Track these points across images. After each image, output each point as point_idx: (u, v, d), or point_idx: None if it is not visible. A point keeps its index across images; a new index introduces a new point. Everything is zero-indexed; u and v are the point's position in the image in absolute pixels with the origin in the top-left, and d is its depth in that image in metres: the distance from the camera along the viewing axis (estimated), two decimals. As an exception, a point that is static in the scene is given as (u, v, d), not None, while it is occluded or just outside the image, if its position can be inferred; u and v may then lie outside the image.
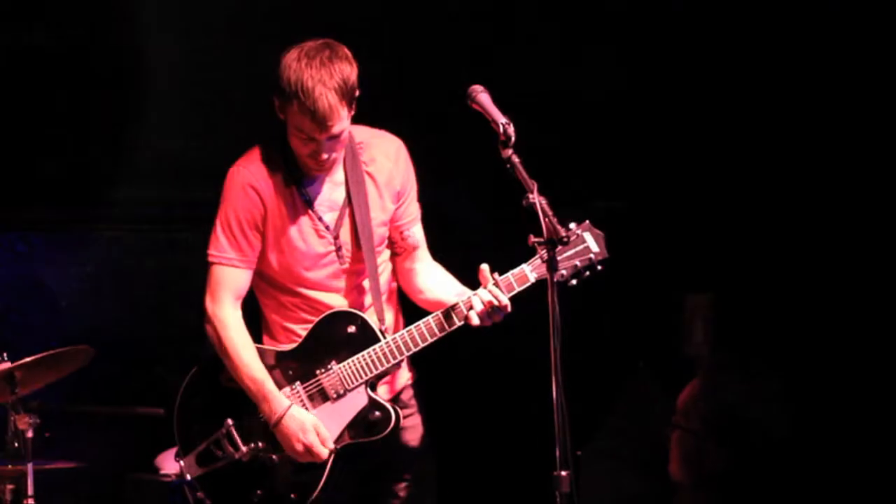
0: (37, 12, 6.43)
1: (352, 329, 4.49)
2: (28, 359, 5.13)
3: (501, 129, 4.13)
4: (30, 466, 5.19)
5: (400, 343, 4.45)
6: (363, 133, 4.56)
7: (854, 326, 6.27)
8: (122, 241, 6.93)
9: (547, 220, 3.98)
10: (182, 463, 4.51)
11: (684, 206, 6.60)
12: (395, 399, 4.57)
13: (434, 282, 4.61)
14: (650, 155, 6.59)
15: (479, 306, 4.39)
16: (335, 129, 4.33)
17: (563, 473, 3.85)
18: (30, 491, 5.18)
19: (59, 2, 6.47)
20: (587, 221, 4.46)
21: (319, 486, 4.45)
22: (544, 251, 4.04)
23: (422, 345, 4.45)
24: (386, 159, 4.58)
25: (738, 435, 5.26)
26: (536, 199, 4.00)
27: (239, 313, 4.51)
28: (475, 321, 4.39)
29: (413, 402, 4.65)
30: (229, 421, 4.48)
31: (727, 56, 6.45)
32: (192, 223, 6.43)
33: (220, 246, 4.47)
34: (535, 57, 6.53)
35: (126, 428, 6.28)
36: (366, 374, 4.46)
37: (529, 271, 4.42)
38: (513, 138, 4.11)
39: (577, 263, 4.41)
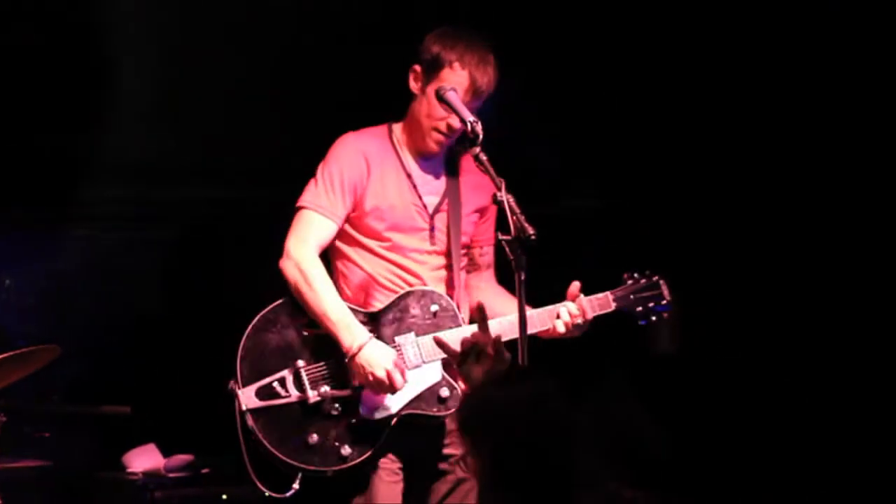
0: (3, 10, 6.40)
1: (436, 308, 4.63)
2: (-6, 357, 5.11)
3: (469, 128, 4.20)
4: (-4, 464, 5.18)
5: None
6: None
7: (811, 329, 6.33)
8: (91, 239, 6.89)
9: (514, 217, 4.04)
10: (240, 392, 4.52)
11: (655, 206, 6.62)
12: None
13: (497, 303, 4.71)
14: (619, 154, 6.60)
15: (566, 317, 4.63)
16: (480, 100, 4.57)
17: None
18: (-3, 489, 5.17)
19: (27, 0, 6.44)
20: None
21: (375, 447, 4.53)
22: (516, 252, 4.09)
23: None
24: (481, 176, 4.66)
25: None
26: (504, 196, 4.07)
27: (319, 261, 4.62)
28: (560, 329, 4.63)
29: None
30: (300, 362, 4.54)
31: (699, 55, 6.46)
32: (160, 222, 6.44)
33: (316, 194, 4.63)
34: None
35: (93, 426, 6.26)
36: (443, 352, 4.54)
37: (612, 300, 4.71)
38: (481, 136, 4.16)
39: (651, 305, 4.78)
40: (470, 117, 4.25)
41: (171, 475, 5.90)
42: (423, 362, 4.59)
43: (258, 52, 6.20)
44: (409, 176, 4.68)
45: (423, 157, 4.70)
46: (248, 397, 4.51)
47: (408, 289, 4.64)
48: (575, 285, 4.66)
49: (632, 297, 4.76)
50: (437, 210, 4.70)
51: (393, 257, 4.64)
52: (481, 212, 4.79)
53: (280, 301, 4.60)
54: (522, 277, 4.04)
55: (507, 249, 4.04)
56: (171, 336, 6.38)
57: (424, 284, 4.65)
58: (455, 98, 4.35)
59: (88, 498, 6.14)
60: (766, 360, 6.28)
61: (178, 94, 6.40)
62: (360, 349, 4.48)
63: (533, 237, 4.05)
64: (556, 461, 3.00)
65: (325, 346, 4.55)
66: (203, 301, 6.35)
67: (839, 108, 6.20)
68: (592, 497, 3.06)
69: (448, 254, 4.70)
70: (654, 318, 4.78)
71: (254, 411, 4.51)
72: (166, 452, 5.97)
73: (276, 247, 4.71)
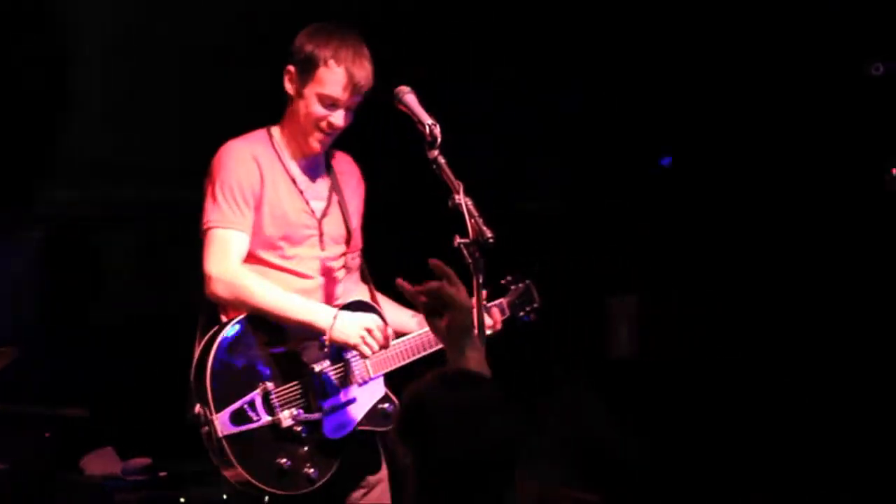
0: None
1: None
2: (-50, 360, 5.08)
3: (428, 131, 4.18)
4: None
5: (424, 340, 4.61)
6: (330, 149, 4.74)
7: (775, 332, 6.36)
8: (47, 242, 6.86)
9: (473, 221, 4.02)
10: (215, 419, 4.36)
11: (610, 209, 6.64)
12: None
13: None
14: (576, 156, 6.63)
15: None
16: (359, 96, 4.53)
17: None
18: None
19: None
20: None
21: (335, 467, 4.48)
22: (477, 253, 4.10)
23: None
24: (352, 176, 4.78)
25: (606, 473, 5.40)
26: (462, 200, 4.05)
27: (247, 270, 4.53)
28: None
29: None
30: (269, 384, 4.43)
31: (659, 59, 6.50)
32: (117, 223, 6.41)
33: (220, 211, 4.50)
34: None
35: (51, 429, 6.22)
36: (390, 364, 4.58)
37: (506, 306, 4.84)
38: (439, 139, 4.15)
39: (527, 309, 4.89)
40: (429, 120, 4.21)
41: (128, 478, 5.89)
42: (371, 378, 4.57)
43: (218, 49, 6.19)
44: (293, 181, 4.61)
45: (305, 160, 4.65)
46: (223, 424, 4.36)
47: (344, 304, 4.60)
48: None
49: (517, 302, 4.88)
50: (323, 214, 4.65)
51: (286, 265, 4.57)
52: (356, 214, 4.77)
53: (241, 319, 4.47)
54: (480, 280, 4.03)
55: (464, 253, 4.02)
56: (129, 339, 6.35)
57: (323, 293, 4.61)
58: (413, 101, 4.31)
59: (46, 501, 6.11)
60: (766, 361, 6.31)
61: (138, 96, 6.39)
62: (335, 318, 4.45)
63: (491, 240, 4.04)
64: (492, 478, 2.96)
65: (290, 366, 4.47)
66: (161, 304, 6.33)
67: (839, 108, 6.24)
68: None
69: (339, 259, 4.67)
70: (526, 320, 4.91)
71: (229, 437, 4.37)
72: (124, 456, 5.96)
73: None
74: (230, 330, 4.46)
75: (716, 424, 6.24)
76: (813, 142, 6.30)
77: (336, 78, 4.50)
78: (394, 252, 5.26)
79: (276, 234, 4.55)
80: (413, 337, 4.64)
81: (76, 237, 6.82)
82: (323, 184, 4.69)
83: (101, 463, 5.94)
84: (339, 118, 4.53)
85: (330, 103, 4.52)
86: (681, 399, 6.28)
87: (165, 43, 6.34)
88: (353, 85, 4.50)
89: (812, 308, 6.33)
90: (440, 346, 3.99)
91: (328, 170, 4.72)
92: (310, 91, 4.53)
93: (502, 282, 4.87)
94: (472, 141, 5.88)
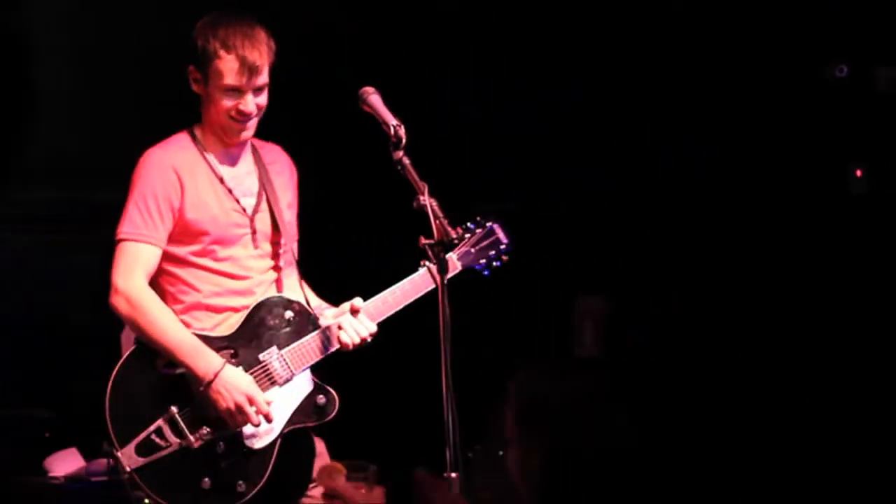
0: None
1: (290, 314, 4.51)
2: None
3: (392, 132, 4.16)
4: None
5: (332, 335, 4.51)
6: (256, 141, 4.65)
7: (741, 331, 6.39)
8: (14, 242, 6.84)
9: (438, 221, 4.01)
10: (119, 455, 4.32)
11: (575, 209, 6.66)
12: None
13: (311, 298, 4.66)
14: (542, 157, 6.64)
15: None
16: (261, 78, 4.45)
17: (454, 475, 3.87)
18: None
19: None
20: (492, 216, 4.69)
21: (266, 474, 4.40)
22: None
23: None
24: (283, 166, 4.70)
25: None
26: (427, 200, 4.04)
27: (151, 290, 4.43)
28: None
29: None
30: (173, 408, 4.35)
31: (619, 58, 6.52)
32: (86, 223, 6.37)
33: (133, 223, 4.43)
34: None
35: (14, 430, 6.20)
36: (311, 359, 4.48)
37: (456, 259, 4.59)
38: (404, 140, 4.14)
39: (492, 254, 4.65)
40: (393, 121, 4.19)
41: (93, 479, 5.86)
42: (293, 374, 4.48)
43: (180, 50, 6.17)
44: (221, 180, 4.54)
45: (230, 158, 4.59)
46: (128, 457, 4.32)
47: (255, 303, 4.51)
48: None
49: (472, 251, 4.66)
50: (255, 211, 4.58)
51: (219, 267, 4.50)
52: (290, 206, 4.70)
53: (133, 349, 4.41)
54: (445, 281, 4.03)
55: (429, 253, 4.02)
56: (92, 340, 6.32)
57: (258, 291, 4.54)
58: (377, 101, 4.28)
59: (9, 502, 6.09)
60: (766, 361, 6.33)
61: (107, 94, 6.37)
62: (216, 375, 4.33)
63: (456, 241, 4.05)
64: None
65: (193, 384, 4.37)
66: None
67: (837, 108, 6.27)
68: None
69: (273, 255, 4.61)
70: (497, 264, 4.67)
71: (139, 470, 4.33)
72: (88, 456, 5.94)
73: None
74: (123, 363, 4.40)
75: (715, 424, 6.25)
76: (779, 144, 6.34)
77: (231, 66, 4.42)
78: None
79: (207, 237, 4.49)
80: (330, 326, 4.54)
81: (47, 237, 6.80)
82: (251, 179, 4.61)
83: (65, 464, 5.92)
84: (247, 104, 4.46)
85: (234, 91, 4.45)
86: (680, 399, 6.29)
87: (141, 42, 6.34)
88: (248, 68, 4.42)
89: (780, 309, 6.37)
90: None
91: (256, 164, 4.64)
92: (212, 86, 4.46)
93: (458, 228, 4.54)
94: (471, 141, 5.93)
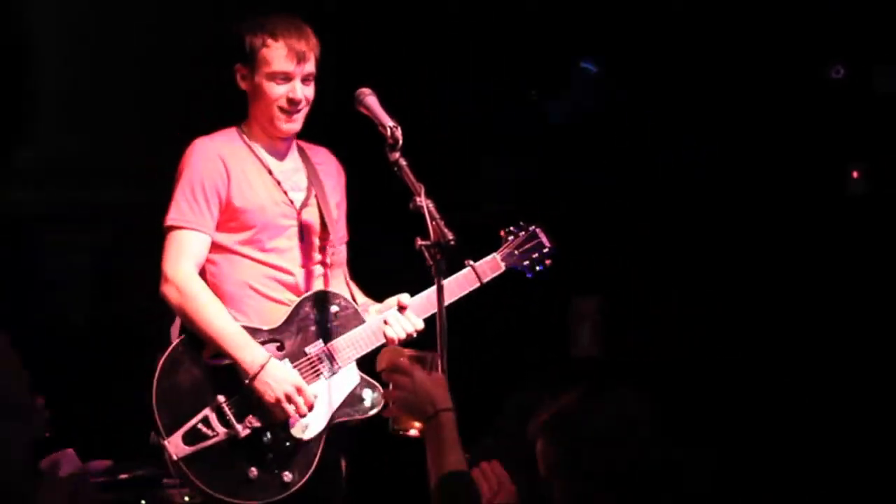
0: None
1: (335, 308, 4.56)
2: None
3: (389, 133, 4.18)
4: None
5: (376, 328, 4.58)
6: (303, 142, 4.74)
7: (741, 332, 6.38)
8: (14, 242, 6.83)
9: (434, 223, 4.02)
10: (167, 443, 4.34)
11: (573, 210, 6.65)
12: None
13: (359, 299, 4.71)
14: (537, 159, 6.64)
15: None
16: (309, 65, 4.54)
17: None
18: None
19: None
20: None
21: (314, 465, 4.44)
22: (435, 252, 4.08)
23: None
24: (332, 168, 4.80)
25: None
26: (424, 202, 4.06)
27: (200, 278, 4.46)
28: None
29: None
30: (220, 398, 4.38)
31: (618, 58, 6.52)
32: (86, 223, 6.38)
33: (181, 210, 4.49)
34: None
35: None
36: (357, 353, 4.53)
37: (500, 260, 4.75)
38: (400, 141, 4.15)
39: (535, 256, 4.79)
40: (390, 122, 4.22)
41: (91, 480, 5.85)
42: (339, 367, 4.54)
43: (177, 52, 6.18)
44: (270, 172, 4.61)
45: (279, 152, 4.65)
46: (175, 446, 4.36)
47: (301, 296, 4.56)
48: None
49: (517, 252, 4.79)
50: (303, 205, 4.64)
51: (265, 258, 4.56)
52: (339, 206, 4.76)
53: (180, 338, 4.45)
54: (442, 283, 4.03)
55: (425, 255, 4.03)
56: (90, 340, 6.33)
57: (303, 286, 4.60)
58: (374, 103, 4.31)
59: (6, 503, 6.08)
60: (765, 362, 6.32)
61: (99, 94, 6.36)
62: (261, 368, 4.38)
63: (452, 242, 4.05)
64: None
65: (239, 375, 4.42)
66: (123, 307, 6.30)
67: (836, 108, 6.26)
68: None
69: (321, 250, 4.65)
70: (540, 268, 4.81)
71: (186, 459, 4.36)
72: (85, 458, 5.93)
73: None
74: (171, 352, 4.43)
75: (715, 425, 6.25)
76: (778, 144, 6.33)
77: (279, 52, 4.50)
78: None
79: (254, 226, 4.53)
80: (376, 321, 4.59)
81: (37, 238, 6.79)
82: (300, 176, 4.67)
83: (62, 465, 5.90)
84: (296, 91, 4.53)
85: (283, 78, 4.51)
86: (679, 399, 6.28)
87: (136, 42, 6.33)
88: (296, 53, 4.50)
89: (779, 310, 6.36)
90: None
91: (304, 163, 4.70)
92: (261, 76, 4.53)
93: (501, 232, 4.81)
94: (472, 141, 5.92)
